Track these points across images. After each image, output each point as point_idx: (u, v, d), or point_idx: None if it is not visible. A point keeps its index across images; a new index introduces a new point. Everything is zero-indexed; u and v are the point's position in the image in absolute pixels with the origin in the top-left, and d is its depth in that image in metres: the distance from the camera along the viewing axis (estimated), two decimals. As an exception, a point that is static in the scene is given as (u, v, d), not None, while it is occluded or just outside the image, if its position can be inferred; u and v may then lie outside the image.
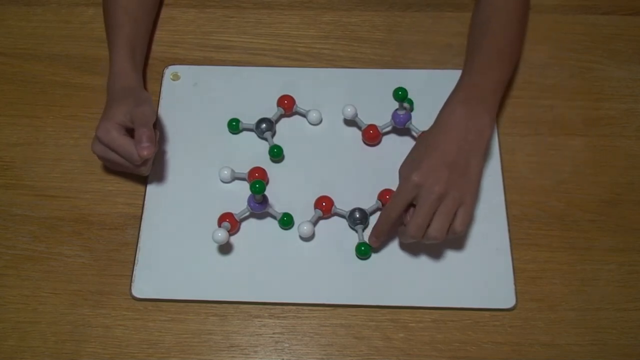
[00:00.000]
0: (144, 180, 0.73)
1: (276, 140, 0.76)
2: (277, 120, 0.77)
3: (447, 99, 0.70)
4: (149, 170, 0.70)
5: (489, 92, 0.70)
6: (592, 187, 0.73)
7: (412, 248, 0.70)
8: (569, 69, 0.80)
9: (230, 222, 0.69)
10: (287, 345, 0.66)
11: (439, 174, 0.63)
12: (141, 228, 0.71)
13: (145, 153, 0.65)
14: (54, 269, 0.69)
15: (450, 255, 0.69)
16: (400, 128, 0.75)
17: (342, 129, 0.77)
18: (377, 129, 0.75)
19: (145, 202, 0.72)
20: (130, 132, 0.68)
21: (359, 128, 0.76)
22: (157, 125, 0.74)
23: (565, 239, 0.71)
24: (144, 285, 0.68)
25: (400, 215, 0.66)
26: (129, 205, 0.73)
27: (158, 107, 0.78)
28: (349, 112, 0.74)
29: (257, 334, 0.67)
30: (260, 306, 0.68)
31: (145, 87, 0.78)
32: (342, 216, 0.71)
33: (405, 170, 0.67)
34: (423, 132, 0.71)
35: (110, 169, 0.73)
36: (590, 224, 0.71)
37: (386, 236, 0.68)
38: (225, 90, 0.79)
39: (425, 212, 0.63)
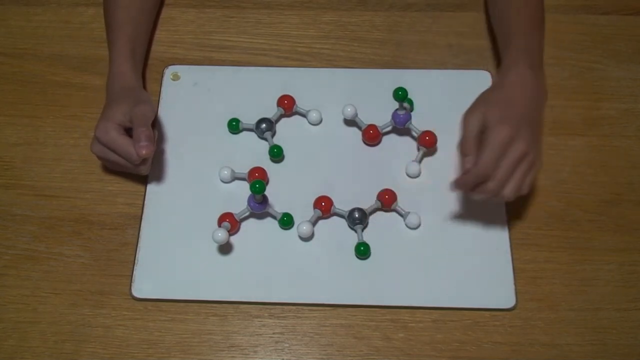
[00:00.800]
0: (144, 180, 0.73)
1: (276, 140, 0.76)
2: (277, 120, 0.77)
3: (513, 60, 0.67)
4: (148, 169, 0.70)
5: (539, 57, 0.69)
6: (592, 187, 0.73)
7: (412, 248, 0.70)
8: (569, 69, 0.80)
9: (230, 222, 0.69)
10: (287, 345, 0.66)
11: (525, 133, 0.62)
12: (141, 228, 0.71)
13: (144, 152, 0.65)
14: (54, 269, 0.69)
15: (450, 255, 0.69)
16: (400, 128, 0.75)
17: (342, 129, 0.77)
18: (377, 129, 0.75)
19: (145, 202, 0.72)
20: (129, 131, 0.68)
21: (359, 128, 0.76)
22: (156, 125, 0.74)
23: (565, 239, 0.71)
24: (144, 285, 0.68)
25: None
26: (129, 205, 0.73)
27: (158, 107, 0.78)
28: (349, 112, 0.74)
29: (257, 334, 0.67)
30: (260, 306, 0.68)
31: (144, 87, 0.78)
32: (342, 216, 0.71)
33: (498, 120, 0.62)
34: (500, 86, 0.66)
35: (110, 169, 0.73)
36: (590, 224, 0.71)
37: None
38: (225, 90, 0.79)
39: (508, 171, 0.62)
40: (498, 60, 0.79)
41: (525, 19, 0.72)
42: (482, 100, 0.66)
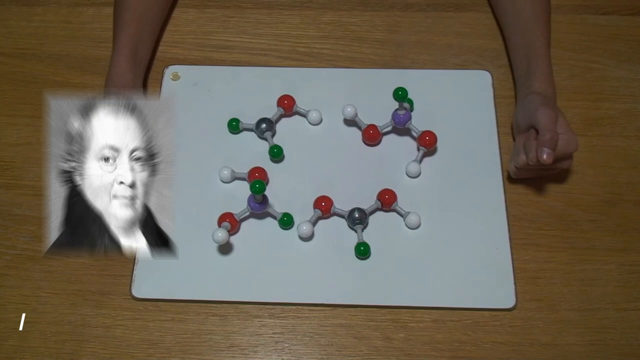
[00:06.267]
0: (144, 180, 0.74)
1: (276, 140, 0.76)
2: (277, 120, 0.77)
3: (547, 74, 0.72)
4: None
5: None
6: (592, 187, 0.73)
7: (412, 248, 0.70)
8: (569, 69, 0.80)
9: (230, 222, 0.69)
10: (287, 345, 0.66)
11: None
12: (141, 228, 0.71)
13: None
14: (54, 269, 0.69)
15: (450, 255, 0.69)
16: (400, 128, 0.75)
17: (342, 129, 0.77)
18: (377, 129, 0.75)
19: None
20: None
21: (359, 128, 0.76)
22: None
23: (565, 239, 0.71)
24: (144, 285, 0.68)
25: None
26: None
27: (158, 107, 0.78)
28: (349, 112, 0.74)
29: (257, 334, 0.67)
30: (260, 306, 0.68)
31: (145, 88, 0.78)
32: (342, 216, 0.71)
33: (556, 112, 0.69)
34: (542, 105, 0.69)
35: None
36: (590, 224, 0.71)
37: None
38: (225, 90, 0.79)
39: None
40: (502, 54, 0.80)
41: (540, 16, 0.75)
42: (542, 103, 0.69)
